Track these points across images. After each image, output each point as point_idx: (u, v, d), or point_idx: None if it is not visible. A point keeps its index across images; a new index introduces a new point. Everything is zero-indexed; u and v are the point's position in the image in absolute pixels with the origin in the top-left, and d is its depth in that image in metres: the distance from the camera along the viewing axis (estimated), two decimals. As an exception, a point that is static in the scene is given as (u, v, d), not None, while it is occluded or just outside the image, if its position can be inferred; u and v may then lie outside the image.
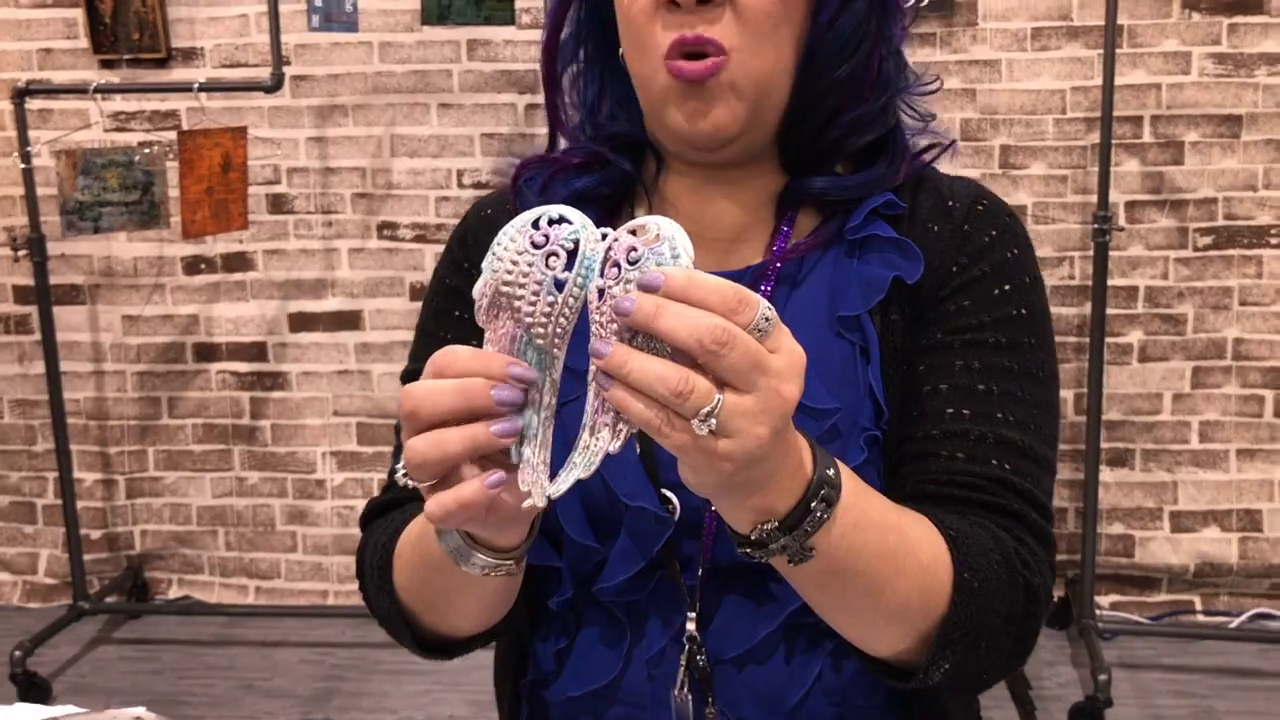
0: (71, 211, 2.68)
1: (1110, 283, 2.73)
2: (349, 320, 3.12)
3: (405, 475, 0.69)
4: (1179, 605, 3.00)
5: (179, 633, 3.08)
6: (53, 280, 2.97)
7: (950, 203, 0.92)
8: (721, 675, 0.90)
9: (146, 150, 2.78)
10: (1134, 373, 2.94)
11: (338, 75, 3.02)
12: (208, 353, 3.17)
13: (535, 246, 0.65)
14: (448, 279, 1.01)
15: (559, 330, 0.65)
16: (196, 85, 2.70)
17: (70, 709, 0.64)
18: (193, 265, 3.14)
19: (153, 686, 2.80)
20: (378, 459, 3.15)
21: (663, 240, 0.62)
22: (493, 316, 0.66)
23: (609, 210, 0.95)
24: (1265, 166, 2.85)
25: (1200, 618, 2.99)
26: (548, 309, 0.65)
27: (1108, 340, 2.75)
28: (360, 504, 3.11)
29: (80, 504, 3.09)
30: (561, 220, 0.65)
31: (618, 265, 0.63)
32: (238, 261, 3.12)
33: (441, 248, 1.10)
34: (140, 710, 0.67)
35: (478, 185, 3.02)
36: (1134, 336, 2.93)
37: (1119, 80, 2.67)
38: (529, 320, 0.65)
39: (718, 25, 0.83)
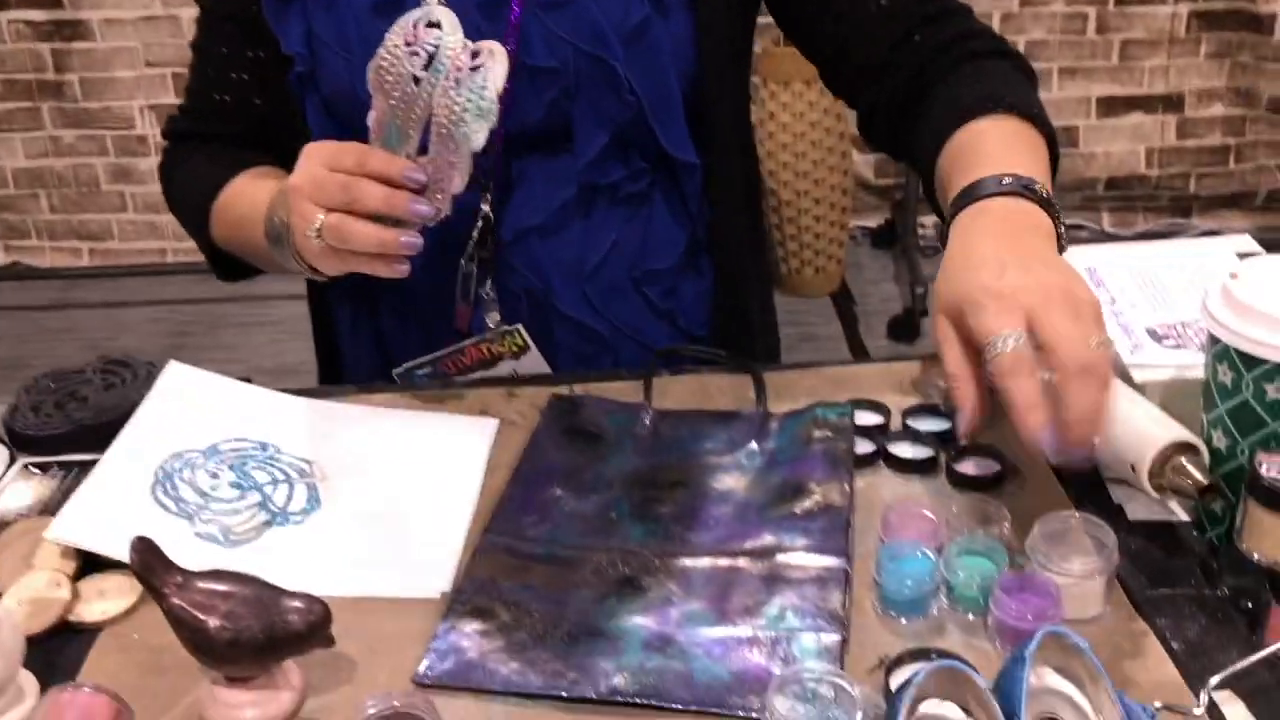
0: None
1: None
2: (147, -40, 2.89)
3: (319, 237, 0.83)
4: (996, 221, 3.16)
5: (13, 299, 3.04)
6: None
7: None
8: (524, 246, 0.96)
9: None
10: (966, -7, 2.93)
11: None
12: (-6, 1, 2.92)
13: (407, 44, 0.83)
14: None
15: (413, 117, 0.83)
16: None
17: None
18: (-40, -100, 2.83)
19: (-8, 352, 2.79)
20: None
21: (480, 73, 0.81)
22: (375, 91, 0.85)
23: None
24: None
25: (1016, 231, 3.16)
26: (406, 97, 0.83)
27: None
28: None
29: (-119, 172, 2.93)
30: (435, 25, 0.83)
31: (455, 80, 0.82)
32: (11, -105, 2.83)
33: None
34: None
35: None
36: (967, -46, 2.89)
37: None
38: (391, 104, 0.84)
39: None
